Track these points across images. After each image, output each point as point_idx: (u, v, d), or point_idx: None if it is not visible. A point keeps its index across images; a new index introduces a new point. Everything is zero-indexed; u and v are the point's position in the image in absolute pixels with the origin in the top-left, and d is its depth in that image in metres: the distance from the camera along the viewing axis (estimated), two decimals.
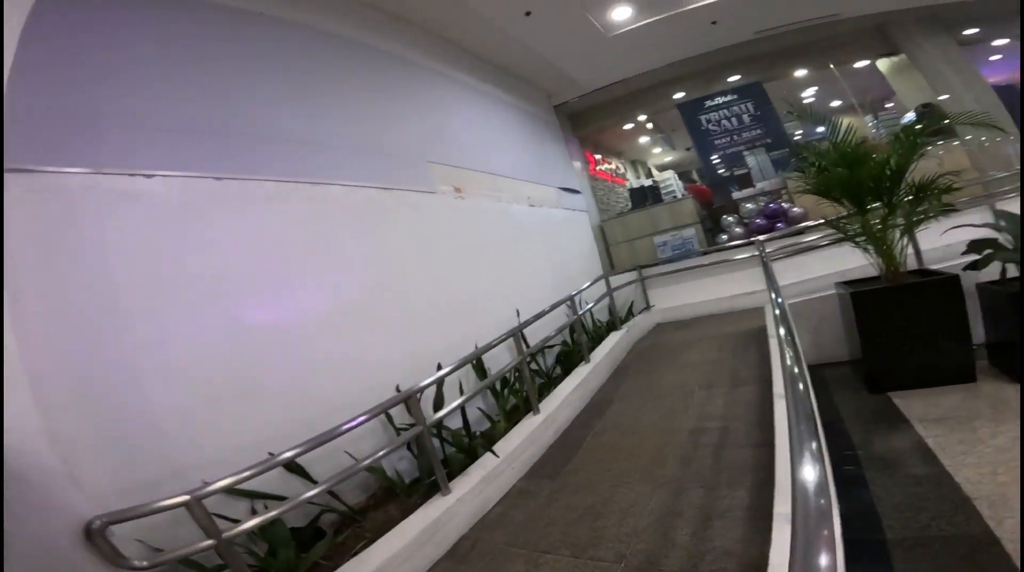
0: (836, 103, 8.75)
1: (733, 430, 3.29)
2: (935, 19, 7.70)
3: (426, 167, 4.83)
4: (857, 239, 3.98)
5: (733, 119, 8.12)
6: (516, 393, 4.28)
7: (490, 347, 3.74)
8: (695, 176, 11.03)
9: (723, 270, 7.39)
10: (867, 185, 3.79)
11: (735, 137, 8.07)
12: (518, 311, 5.01)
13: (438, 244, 4.59)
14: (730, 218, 7.76)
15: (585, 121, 9.44)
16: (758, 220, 7.44)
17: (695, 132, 8.32)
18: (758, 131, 7.95)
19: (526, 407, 4.03)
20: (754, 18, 7.35)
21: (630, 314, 7.33)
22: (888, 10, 7.65)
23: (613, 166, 10.75)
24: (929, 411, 3.28)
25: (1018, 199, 4.85)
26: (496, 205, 5.80)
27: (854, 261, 4.60)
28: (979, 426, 2.91)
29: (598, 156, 10.01)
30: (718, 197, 8.12)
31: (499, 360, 4.48)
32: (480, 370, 4.32)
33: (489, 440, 3.56)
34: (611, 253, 8.51)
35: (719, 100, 8.27)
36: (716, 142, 8.18)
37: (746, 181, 7.86)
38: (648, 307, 7.64)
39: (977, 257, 3.60)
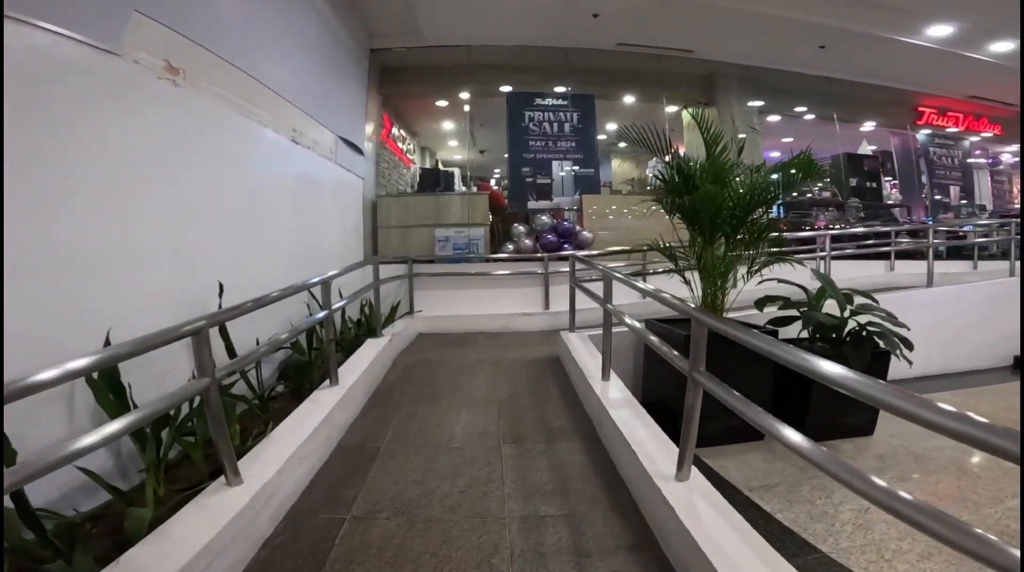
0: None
1: (585, 520, 2.10)
2: (755, 82, 8.46)
3: (127, 17, 2.49)
4: (686, 271, 3.65)
5: (555, 125, 7.42)
6: (190, 445, 2.19)
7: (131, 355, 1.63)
8: (497, 185, 10.27)
9: (504, 283, 6.42)
10: (727, 211, 3.28)
11: (551, 143, 7.36)
12: (221, 287, 2.94)
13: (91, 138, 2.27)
14: (521, 227, 6.92)
15: (398, 79, 7.76)
16: (549, 236, 6.74)
17: (514, 127, 7.36)
18: (574, 144, 7.39)
19: (211, 467, 2.07)
20: (626, 28, 7.05)
21: (391, 318, 5.73)
22: (728, 61, 8.12)
23: (405, 144, 9.21)
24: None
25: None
26: (237, 118, 3.59)
27: (628, 296, 4.05)
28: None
29: (396, 126, 8.35)
30: (515, 203, 7.26)
31: (159, 371, 2.17)
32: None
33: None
34: (378, 237, 6.83)
35: (550, 101, 7.53)
36: (531, 142, 7.34)
37: (545, 192, 7.17)
38: (412, 312, 6.16)
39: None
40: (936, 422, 0.97)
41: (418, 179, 7.47)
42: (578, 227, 6.86)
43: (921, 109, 10.70)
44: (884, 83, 9.19)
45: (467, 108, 8.51)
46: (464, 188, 8.08)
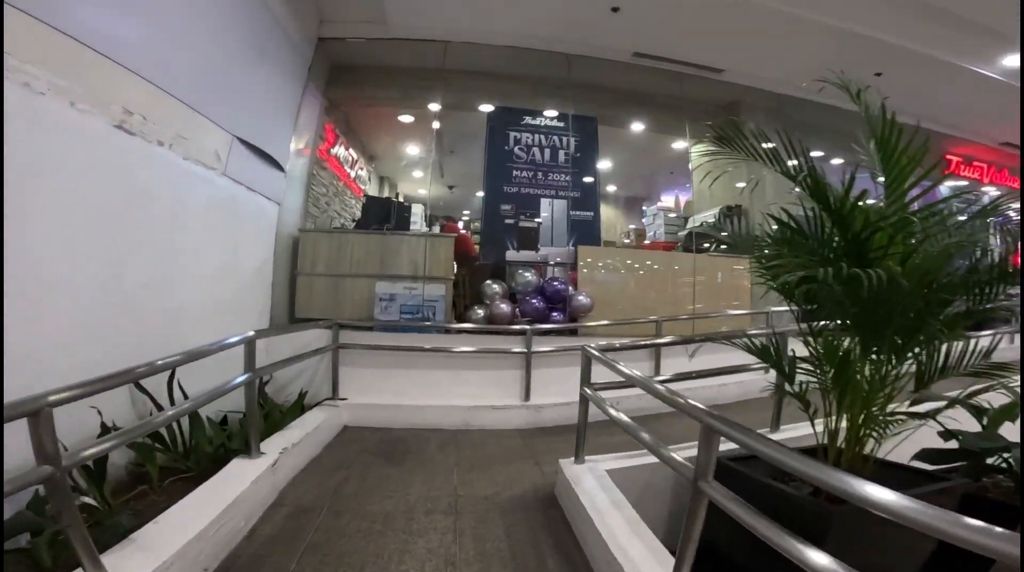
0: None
1: None
2: (780, 115, 7.01)
3: None
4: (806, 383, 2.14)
5: (548, 151, 5.78)
6: None
7: None
8: (466, 228, 8.53)
9: (468, 363, 4.61)
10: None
11: (541, 175, 5.70)
12: None
13: None
14: (496, 286, 5.14)
15: (352, 80, 6.06)
16: (534, 300, 4.98)
17: (494, 149, 5.68)
18: (569, 178, 5.74)
19: None
20: (648, 33, 5.56)
21: (300, 407, 3.88)
22: (759, 88, 6.65)
23: (356, 168, 7.39)
24: None
25: None
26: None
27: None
28: None
29: (340, 142, 6.56)
30: (489, 252, 5.49)
31: None
32: None
33: None
34: (297, 287, 4.95)
35: (543, 121, 5.90)
36: (516, 172, 5.66)
37: (529, 240, 5.45)
38: (335, 398, 4.30)
39: None
40: None
41: (361, 211, 5.63)
42: (571, 289, 5.12)
43: (949, 157, 9.47)
44: (915, 123, 7.81)
45: (436, 125, 6.81)
46: (426, 228, 6.30)
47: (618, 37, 5.57)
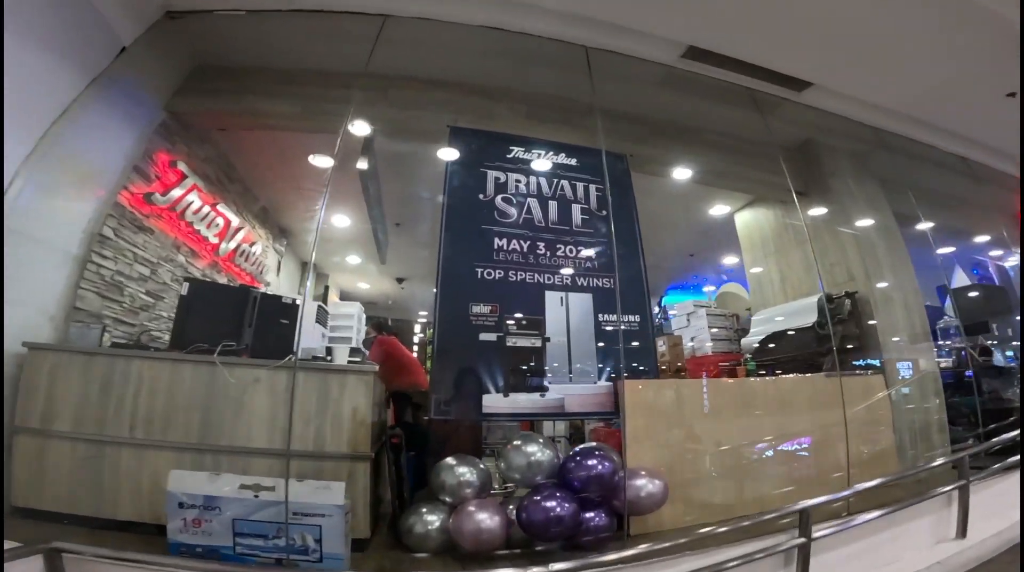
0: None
1: None
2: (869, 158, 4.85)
3: None
4: None
5: (553, 203, 3.30)
6: None
7: None
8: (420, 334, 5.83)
9: None
10: None
11: (541, 248, 3.13)
12: None
13: None
14: (466, 471, 2.34)
15: (227, 87, 3.62)
16: (548, 500, 2.21)
17: (461, 201, 3.14)
18: (594, 253, 3.20)
19: None
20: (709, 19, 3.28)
21: None
22: (845, 116, 4.49)
23: (231, 236, 4.41)
24: None
25: None
26: None
27: None
28: None
29: (192, 187, 3.77)
30: (449, 399, 2.68)
31: None
32: None
33: None
34: (13, 454, 2.05)
35: (538, 154, 3.49)
36: (500, 242, 3.06)
37: (528, 369, 2.78)
38: None
39: None
40: None
41: (177, 309, 2.70)
42: (615, 463, 2.38)
43: None
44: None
45: (363, 165, 4.25)
46: (337, 341, 3.45)
47: (666, 23, 3.34)
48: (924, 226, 4.99)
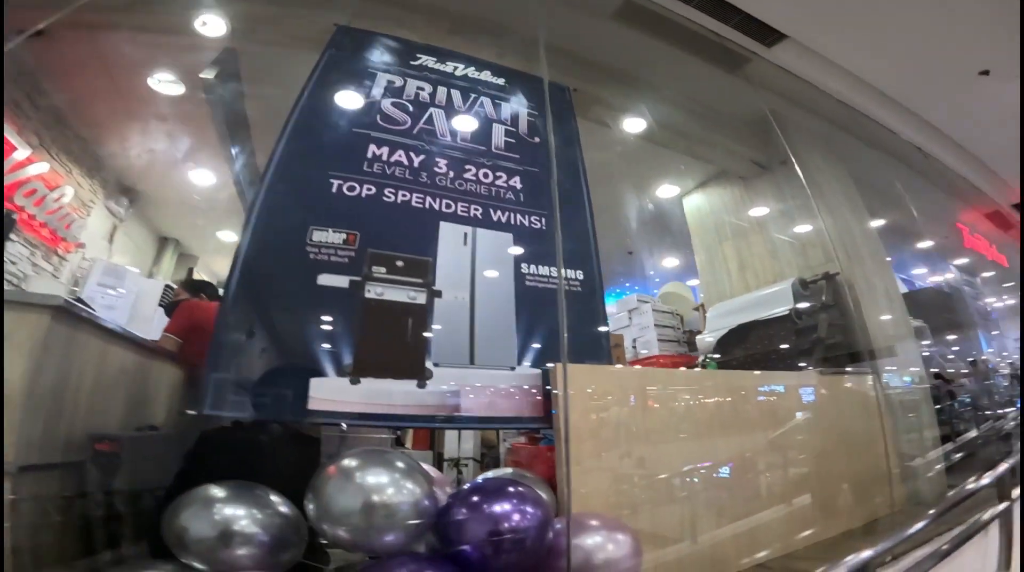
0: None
1: None
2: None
3: None
4: None
5: (467, 118, 2.23)
6: None
7: None
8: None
9: None
10: None
11: (443, 169, 2.02)
12: None
13: None
14: (236, 513, 1.14)
15: None
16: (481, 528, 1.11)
17: (327, 99, 2.01)
18: (526, 179, 2.14)
19: None
20: None
21: None
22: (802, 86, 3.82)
23: (32, 164, 2.78)
24: None
25: None
26: None
27: None
28: None
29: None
30: (260, 399, 1.46)
31: None
32: None
33: None
34: None
35: (455, 66, 2.43)
36: (376, 150, 1.94)
37: (405, 347, 1.67)
38: None
39: None
40: None
41: None
42: (555, 521, 1.31)
43: None
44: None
45: (209, 75, 2.96)
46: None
47: None
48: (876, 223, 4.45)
